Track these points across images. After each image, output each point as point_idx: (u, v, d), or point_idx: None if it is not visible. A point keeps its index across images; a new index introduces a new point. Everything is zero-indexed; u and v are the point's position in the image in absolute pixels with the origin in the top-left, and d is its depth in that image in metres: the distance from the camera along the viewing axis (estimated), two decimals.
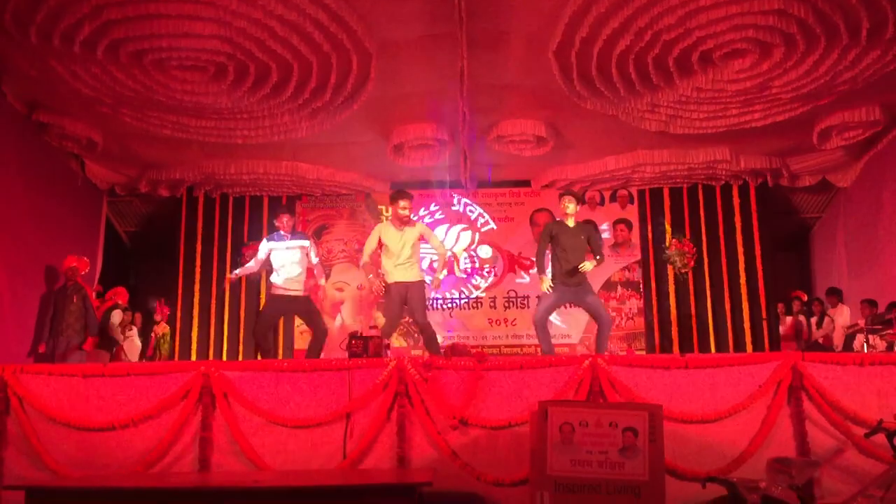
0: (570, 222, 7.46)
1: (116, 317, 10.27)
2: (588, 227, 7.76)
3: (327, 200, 12.32)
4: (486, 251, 12.25)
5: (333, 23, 7.56)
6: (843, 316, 10.55)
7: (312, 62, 8.23)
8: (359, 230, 12.26)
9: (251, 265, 8.21)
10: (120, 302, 10.39)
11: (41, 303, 9.54)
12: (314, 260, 8.05)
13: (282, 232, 7.94)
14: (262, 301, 11.72)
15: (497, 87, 9.04)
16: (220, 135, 9.88)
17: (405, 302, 7.51)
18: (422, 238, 7.73)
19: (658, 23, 7.59)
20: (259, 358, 8.22)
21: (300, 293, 7.91)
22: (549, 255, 7.50)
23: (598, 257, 7.51)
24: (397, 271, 7.50)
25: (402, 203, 7.54)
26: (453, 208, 12.32)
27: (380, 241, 7.69)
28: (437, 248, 8.17)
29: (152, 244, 13.07)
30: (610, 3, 7.33)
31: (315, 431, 5.84)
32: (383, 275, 7.61)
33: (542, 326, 7.34)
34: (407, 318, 8.80)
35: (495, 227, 12.27)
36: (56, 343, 9.02)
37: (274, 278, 7.89)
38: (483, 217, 12.31)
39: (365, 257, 7.76)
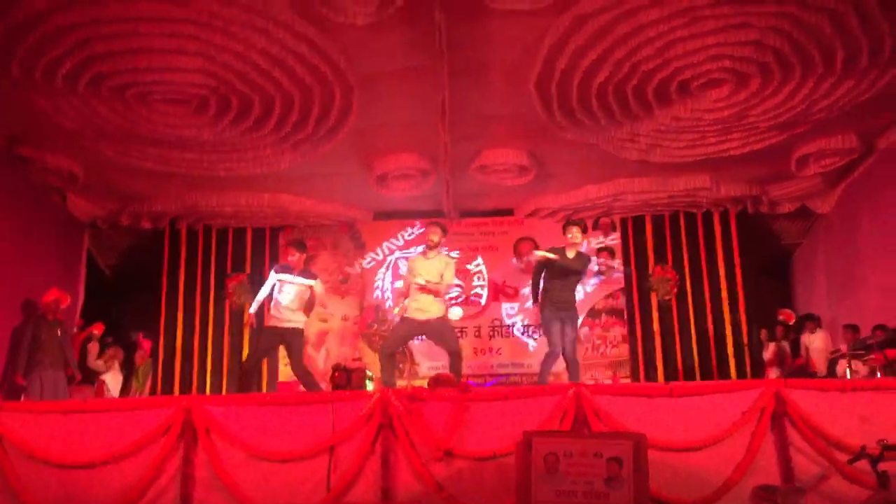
0: (571, 253, 7.46)
1: (92, 349, 10.09)
2: (584, 261, 7.68)
3: (310, 231, 12.30)
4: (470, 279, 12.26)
5: (315, 55, 7.62)
6: (817, 341, 10.60)
7: (294, 95, 8.28)
8: (342, 261, 12.25)
9: (259, 298, 8.14)
10: (95, 332, 10.21)
11: (15, 333, 9.13)
12: (317, 302, 8.09)
13: (289, 266, 7.95)
14: (247, 334, 11.63)
15: (478, 118, 9.11)
16: (202, 167, 9.89)
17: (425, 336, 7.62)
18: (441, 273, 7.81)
19: (636, 54, 7.71)
20: (239, 388, 8.11)
21: (300, 326, 7.93)
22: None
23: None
24: (419, 311, 7.50)
25: (434, 229, 7.67)
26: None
27: (409, 269, 7.77)
28: (447, 283, 8.17)
29: (134, 277, 12.96)
30: (588, 36, 7.44)
31: (299, 465, 5.78)
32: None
33: (555, 358, 7.33)
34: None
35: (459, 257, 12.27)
36: (35, 377, 8.82)
37: (275, 311, 7.86)
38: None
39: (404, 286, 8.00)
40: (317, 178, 10.64)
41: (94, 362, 10.08)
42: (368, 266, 12.28)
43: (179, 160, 9.67)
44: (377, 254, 12.33)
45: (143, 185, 10.73)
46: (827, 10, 7.05)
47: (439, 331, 7.57)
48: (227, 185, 10.73)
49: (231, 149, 9.44)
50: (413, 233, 12.28)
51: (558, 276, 7.43)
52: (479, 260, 12.28)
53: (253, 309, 8.19)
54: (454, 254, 11.54)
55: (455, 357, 7.43)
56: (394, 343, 7.78)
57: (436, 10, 6.95)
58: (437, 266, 7.61)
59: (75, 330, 10.23)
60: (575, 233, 7.47)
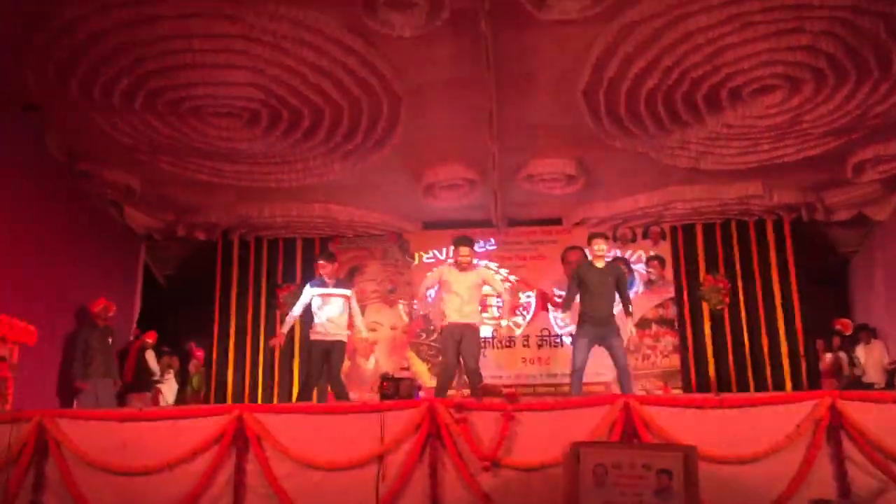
0: (600, 264, 7.47)
1: (150, 356, 10.30)
2: (617, 269, 7.68)
3: (359, 241, 12.41)
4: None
5: (363, 68, 7.72)
6: (874, 353, 10.32)
7: (343, 107, 8.39)
8: (391, 270, 12.32)
9: (293, 315, 8.23)
10: (148, 341, 10.40)
11: (70, 340, 9.45)
12: (356, 312, 8.19)
13: (325, 279, 8.04)
14: (298, 344, 11.76)
15: (526, 127, 9.11)
16: (254, 179, 10.07)
17: (460, 342, 7.55)
18: (484, 282, 7.91)
19: (685, 61, 7.63)
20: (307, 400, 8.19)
21: (343, 338, 8.02)
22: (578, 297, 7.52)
23: (628, 307, 7.52)
24: (456, 314, 7.60)
25: (462, 251, 7.72)
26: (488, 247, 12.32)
27: (440, 281, 7.81)
28: (499, 291, 8.37)
29: (189, 287, 13.22)
30: (637, 43, 7.39)
31: (348, 474, 5.82)
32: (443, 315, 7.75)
33: (579, 377, 7.30)
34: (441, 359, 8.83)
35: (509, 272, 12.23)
36: (91, 383, 9.08)
37: (318, 324, 7.95)
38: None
39: (421, 292, 8.39)
40: (365, 189, 10.74)
41: (153, 370, 10.31)
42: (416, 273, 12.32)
43: (232, 172, 9.87)
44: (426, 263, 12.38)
45: (197, 198, 10.96)
46: (881, 14, 6.90)
47: (470, 339, 7.56)
48: (277, 197, 10.90)
49: (281, 160, 9.60)
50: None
51: (590, 291, 7.40)
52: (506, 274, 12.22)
53: (285, 329, 8.30)
54: (492, 264, 11.58)
55: (474, 375, 7.43)
56: (449, 353, 7.71)
57: (482, 21, 6.97)
58: (473, 279, 7.65)
59: (130, 339, 10.47)
60: (598, 244, 7.49)
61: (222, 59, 7.55)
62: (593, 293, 7.37)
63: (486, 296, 9.81)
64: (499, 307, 11.24)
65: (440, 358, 8.10)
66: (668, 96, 8.31)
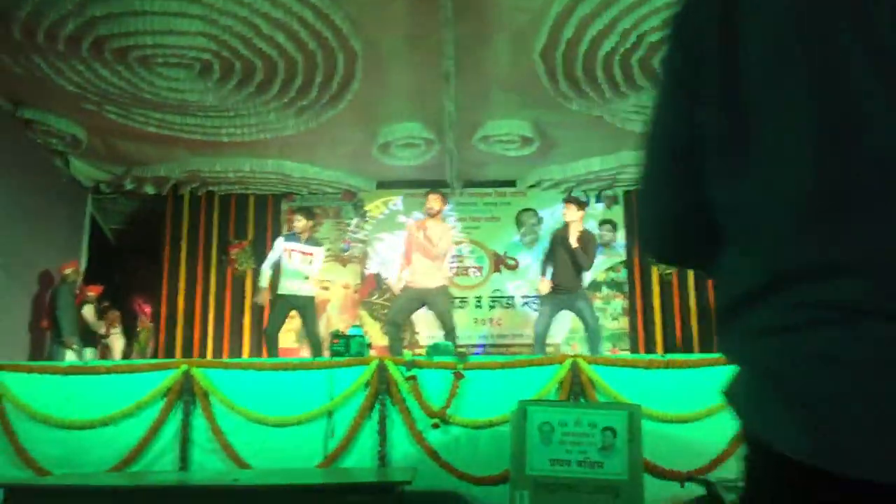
0: (573, 231, 7.53)
1: (88, 311, 10.16)
2: (584, 238, 7.73)
3: (313, 199, 12.28)
4: (470, 250, 12.26)
5: (319, 21, 7.56)
6: None
7: (298, 60, 8.23)
8: (345, 229, 12.25)
9: (266, 268, 8.22)
10: (90, 294, 10.28)
11: (51, 300, 9.73)
12: (315, 270, 8.18)
13: (297, 233, 8.02)
14: (249, 299, 11.70)
15: (483, 87, 9.05)
16: (205, 132, 9.86)
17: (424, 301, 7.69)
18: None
19: (643, 24, 7.62)
20: (267, 355, 8.19)
21: (312, 294, 8.03)
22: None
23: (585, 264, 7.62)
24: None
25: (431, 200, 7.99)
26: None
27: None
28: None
29: (137, 242, 13.03)
30: (595, 5, 7.36)
31: (296, 430, 5.84)
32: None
33: (541, 343, 7.42)
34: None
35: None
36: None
37: (284, 278, 7.93)
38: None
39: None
40: (320, 146, 10.61)
41: (95, 323, 10.18)
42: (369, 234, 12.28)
43: (182, 125, 9.64)
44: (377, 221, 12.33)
45: (147, 151, 10.71)
46: None
47: (438, 302, 7.62)
48: (230, 151, 10.70)
49: (234, 114, 9.40)
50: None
51: (558, 258, 7.50)
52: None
53: (264, 283, 8.25)
54: (454, 223, 11.58)
55: (450, 334, 7.50)
56: (396, 312, 7.82)
57: None
58: (436, 232, 7.69)
59: (76, 292, 10.30)
60: (566, 209, 7.61)
61: (173, 7, 7.32)
62: (558, 256, 7.49)
63: None
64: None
65: (389, 314, 8.15)
66: (625, 60, 8.31)
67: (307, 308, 8.07)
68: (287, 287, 7.94)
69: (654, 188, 1.21)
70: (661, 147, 1.22)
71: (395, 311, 7.85)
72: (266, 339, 8.46)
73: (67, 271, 9.81)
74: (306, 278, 7.95)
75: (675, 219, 1.17)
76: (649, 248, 1.29)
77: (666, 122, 1.22)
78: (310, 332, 8.07)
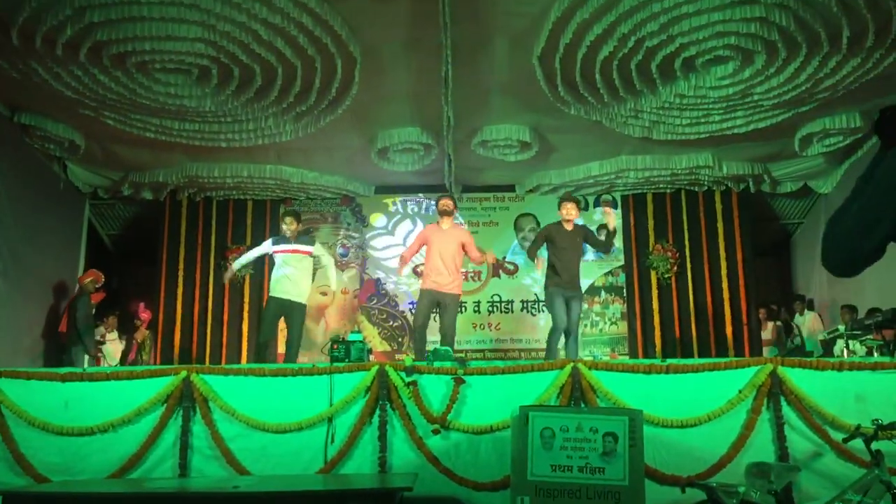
0: (569, 227, 7.67)
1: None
2: (583, 229, 7.98)
3: (311, 204, 12.29)
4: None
5: (318, 27, 7.55)
6: (808, 323, 10.66)
7: (297, 66, 8.22)
8: (343, 234, 12.24)
9: (247, 256, 8.27)
10: (92, 301, 10.25)
11: (72, 311, 9.75)
12: (325, 265, 8.19)
13: (287, 236, 8.01)
14: (248, 304, 11.69)
15: (481, 92, 9.06)
16: (203, 138, 9.84)
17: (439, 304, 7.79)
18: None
19: (641, 29, 7.62)
20: (257, 359, 8.21)
21: (302, 300, 7.99)
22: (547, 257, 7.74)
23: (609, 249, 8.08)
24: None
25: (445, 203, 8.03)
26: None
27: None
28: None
29: (135, 247, 13.01)
30: (593, 10, 7.35)
31: (296, 436, 5.82)
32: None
33: (560, 332, 7.49)
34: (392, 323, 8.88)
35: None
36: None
37: (279, 283, 7.91)
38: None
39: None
40: (319, 151, 10.61)
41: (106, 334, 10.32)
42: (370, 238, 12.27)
43: (180, 131, 9.63)
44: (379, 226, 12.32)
45: (144, 156, 10.69)
46: None
47: (450, 310, 7.67)
48: (228, 157, 10.70)
49: (233, 120, 9.38)
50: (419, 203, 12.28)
51: (560, 251, 7.58)
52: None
53: (237, 266, 8.30)
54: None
55: (446, 340, 7.52)
56: (423, 320, 7.81)
57: None
58: (456, 236, 7.77)
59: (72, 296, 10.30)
60: (569, 208, 7.69)
61: (171, 13, 7.31)
62: (563, 252, 7.58)
63: None
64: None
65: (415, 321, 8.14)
66: (623, 65, 8.32)
67: (294, 315, 8.03)
68: (278, 290, 7.93)
69: (861, 225, 1.93)
70: (883, 201, 1.92)
71: (421, 319, 7.82)
72: (256, 348, 8.47)
73: (87, 281, 9.92)
74: (292, 281, 7.91)
75: (875, 250, 1.90)
76: (836, 267, 2.05)
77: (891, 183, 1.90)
78: (291, 338, 8.04)
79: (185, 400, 5.90)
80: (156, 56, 7.92)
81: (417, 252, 8.38)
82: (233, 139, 9.83)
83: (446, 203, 7.98)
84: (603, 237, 7.95)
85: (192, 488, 4.92)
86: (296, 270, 7.96)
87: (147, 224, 12.30)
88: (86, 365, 9.19)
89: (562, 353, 7.82)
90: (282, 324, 8.31)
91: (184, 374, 5.98)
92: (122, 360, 10.52)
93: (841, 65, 8.04)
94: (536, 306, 11.79)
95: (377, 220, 12.32)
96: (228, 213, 12.26)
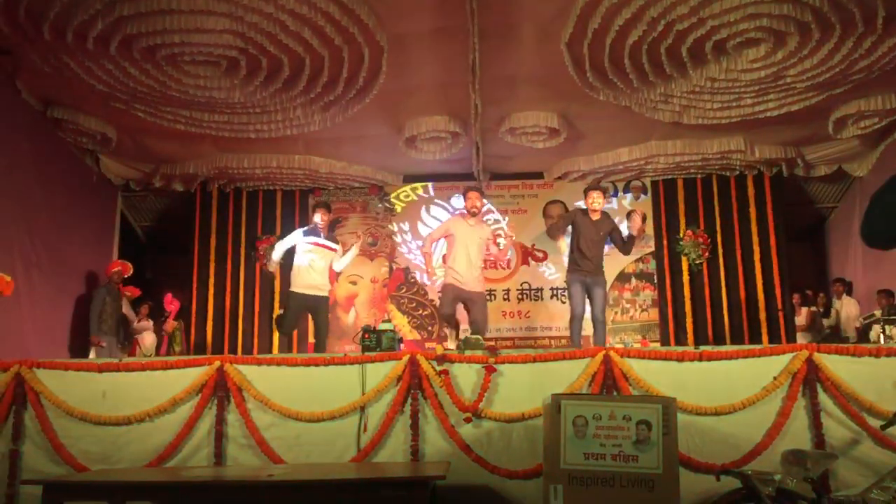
0: (595, 216, 7.62)
1: (126, 308, 10.37)
2: (610, 222, 7.86)
3: (340, 194, 12.32)
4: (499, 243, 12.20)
5: (345, 16, 7.56)
6: (848, 307, 10.49)
7: (324, 56, 8.24)
8: (371, 223, 12.26)
9: (280, 247, 8.25)
10: (128, 294, 10.48)
11: (88, 299, 9.97)
12: (339, 266, 8.19)
13: (318, 228, 8.04)
14: (278, 296, 11.75)
15: (509, 79, 9.01)
16: (232, 129, 9.91)
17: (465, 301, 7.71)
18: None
19: (671, 13, 7.54)
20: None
21: (325, 294, 8.03)
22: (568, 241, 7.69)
23: (629, 250, 7.92)
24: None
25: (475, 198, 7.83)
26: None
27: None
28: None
29: (167, 239, 13.15)
30: None
31: (329, 425, 5.85)
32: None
33: (580, 323, 7.45)
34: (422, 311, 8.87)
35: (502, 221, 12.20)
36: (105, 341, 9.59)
37: (302, 276, 7.93)
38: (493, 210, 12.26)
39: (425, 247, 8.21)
40: (347, 141, 10.63)
41: (138, 325, 10.43)
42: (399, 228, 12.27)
43: (210, 122, 9.70)
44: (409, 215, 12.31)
45: (175, 148, 10.79)
46: None
47: (479, 307, 7.65)
48: (257, 148, 10.76)
49: (261, 111, 9.43)
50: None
51: (583, 238, 7.54)
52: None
53: (276, 256, 8.25)
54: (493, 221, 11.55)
55: (478, 332, 7.50)
56: (447, 306, 7.78)
57: None
58: (481, 234, 7.71)
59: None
60: (595, 198, 7.62)
61: (199, 5, 7.35)
62: (586, 241, 7.54)
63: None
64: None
65: (441, 309, 8.10)
66: (653, 49, 8.23)
67: (319, 309, 8.07)
68: (300, 285, 7.92)
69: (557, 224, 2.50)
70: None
71: (445, 309, 7.79)
72: (280, 340, 8.54)
73: (113, 271, 10.15)
74: (319, 274, 7.92)
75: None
76: (877, 239, 2.39)
77: None
78: (320, 330, 8.09)
79: (220, 389, 5.95)
80: (185, 48, 7.98)
81: (438, 240, 8.31)
82: (261, 130, 9.88)
83: (474, 204, 7.76)
84: (625, 235, 7.85)
85: (228, 477, 4.96)
86: (322, 263, 7.99)
87: (179, 215, 12.42)
88: (91, 355, 9.32)
89: (590, 342, 7.78)
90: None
91: (218, 363, 6.04)
92: (157, 352, 10.65)
93: (876, 45, 7.89)
94: (567, 294, 11.73)
95: (407, 205, 12.31)
96: (258, 204, 12.33)
